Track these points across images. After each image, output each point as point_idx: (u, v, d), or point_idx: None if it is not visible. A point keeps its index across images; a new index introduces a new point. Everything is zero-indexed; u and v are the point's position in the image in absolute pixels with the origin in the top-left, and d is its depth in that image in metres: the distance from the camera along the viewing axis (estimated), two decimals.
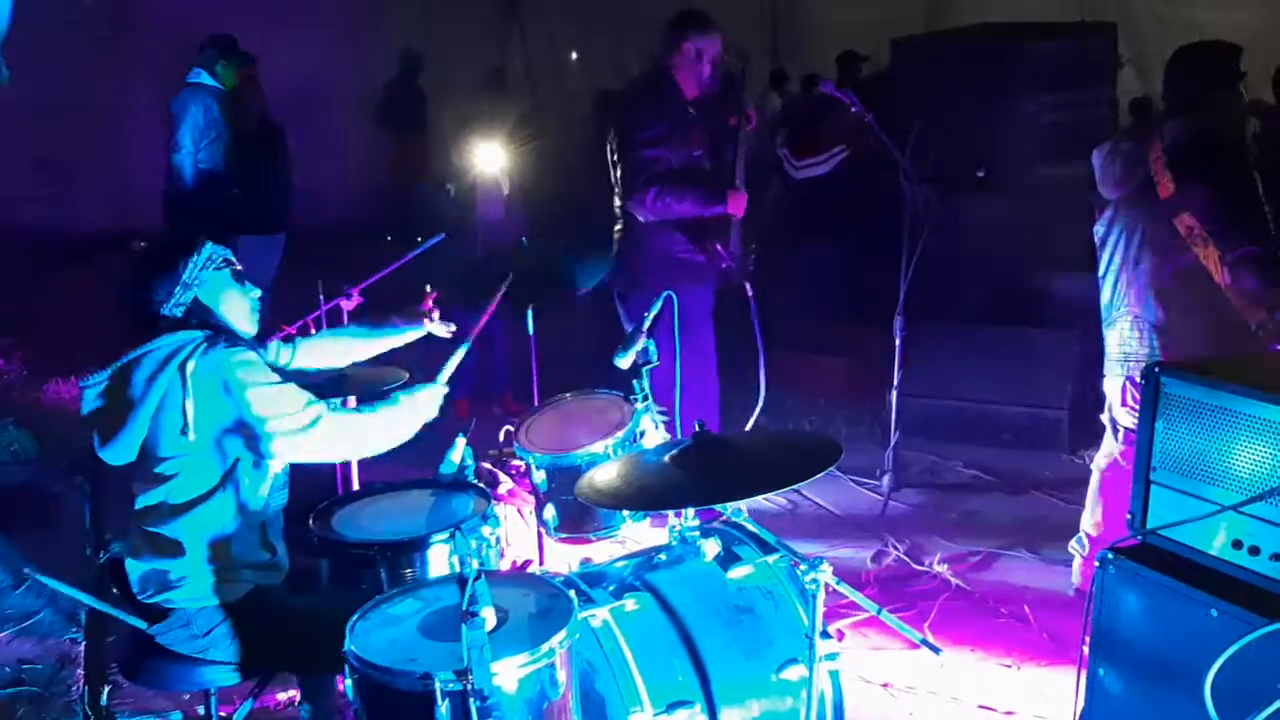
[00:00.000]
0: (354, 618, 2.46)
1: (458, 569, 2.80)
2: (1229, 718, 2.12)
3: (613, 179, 4.74)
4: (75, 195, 10.17)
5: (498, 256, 5.95)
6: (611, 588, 2.76)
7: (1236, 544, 2.36)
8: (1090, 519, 4.19)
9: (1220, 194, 3.66)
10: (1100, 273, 4.03)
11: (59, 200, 10.02)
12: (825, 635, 2.54)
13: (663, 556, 2.91)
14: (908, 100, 6.29)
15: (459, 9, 11.58)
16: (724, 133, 4.67)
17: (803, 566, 2.41)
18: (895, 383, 5.25)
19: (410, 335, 3.57)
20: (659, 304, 3.55)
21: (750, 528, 2.83)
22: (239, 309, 2.96)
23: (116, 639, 3.36)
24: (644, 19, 11.65)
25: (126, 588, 2.93)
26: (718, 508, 2.75)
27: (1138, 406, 3.69)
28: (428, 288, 3.61)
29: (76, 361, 6.39)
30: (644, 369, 3.48)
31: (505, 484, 4.51)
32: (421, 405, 3.04)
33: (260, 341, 3.16)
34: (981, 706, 3.64)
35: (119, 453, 2.84)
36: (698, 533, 2.89)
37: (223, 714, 3.01)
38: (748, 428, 4.40)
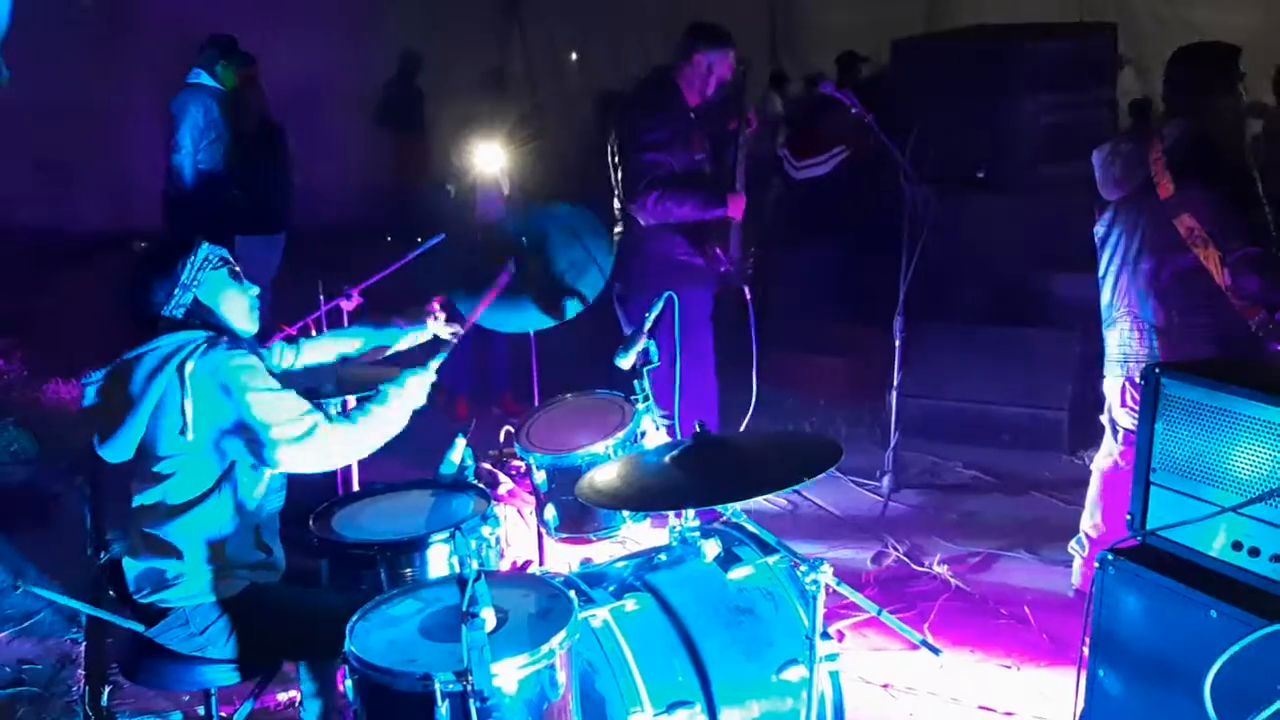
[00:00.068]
0: (354, 618, 2.46)
1: (458, 569, 2.80)
2: (1229, 719, 2.12)
3: (613, 181, 4.75)
4: (75, 195, 10.17)
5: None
6: (612, 588, 2.76)
7: (1236, 545, 2.36)
8: (1090, 520, 4.19)
9: (1220, 195, 3.66)
10: (1100, 273, 4.03)
11: (59, 200, 10.02)
12: (825, 636, 2.54)
13: (663, 557, 2.91)
14: (908, 101, 6.29)
15: (459, 9, 11.58)
16: (724, 136, 4.68)
17: (803, 567, 2.41)
18: (895, 383, 5.25)
19: (415, 337, 3.56)
20: (659, 305, 3.55)
21: (750, 528, 2.83)
22: (238, 308, 2.96)
23: (116, 639, 3.36)
24: (644, 19, 11.71)
25: (125, 588, 2.93)
26: (718, 508, 2.75)
27: (1137, 407, 3.69)
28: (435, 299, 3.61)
29: (76, 361, 6.38)
30: (645, 370, 3.48)
31: (505, 484, 4.52)
32: (410, 395, 3.02)
33: (261, 341, 3.17)
34: (981, 707, 3.64)
35: (117, 451, 2.84)
36: (698, 533, 2.89)
37: (223, 714, 3.01)
38: (740, 429, 4.41)
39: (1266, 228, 3.67)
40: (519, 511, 4.39)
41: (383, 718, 2.37)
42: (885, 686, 3.76)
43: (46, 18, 8.60)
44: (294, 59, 9.21)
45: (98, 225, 9.77)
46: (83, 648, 3.90)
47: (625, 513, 3.47)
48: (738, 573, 2.79)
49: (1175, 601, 2.42)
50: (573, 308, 4.09)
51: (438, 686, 2.21)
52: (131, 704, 3.69)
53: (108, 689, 3.71)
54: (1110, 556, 2.57)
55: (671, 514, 2.98)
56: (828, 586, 2.41)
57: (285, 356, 3.30)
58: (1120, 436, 4.02)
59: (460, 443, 3.35)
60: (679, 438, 3.43)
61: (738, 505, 2.68)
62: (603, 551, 3.61)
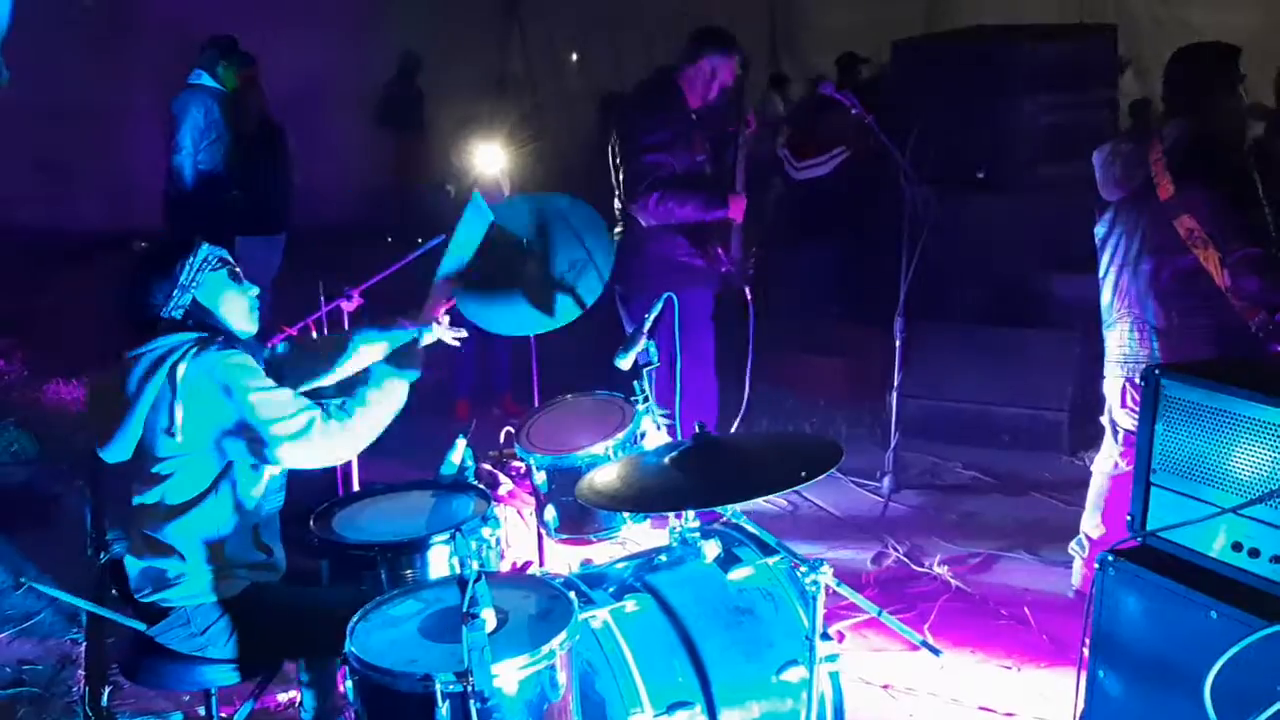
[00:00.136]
0: (354, 619, 2.46)
1: (458, 570, 2.80)
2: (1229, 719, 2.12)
3: (614, 182, 4.75)
4: (75, 195, 10.17)
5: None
6: (612, 589, 2.76)
7: (1236, 546, 2.36)
8: (1090, 521, 4.19)
9: (1220, 196, 3.66)
10: (1100, 274, 4.03)
11: (59, 200, 10.03)
12: (825, 637, 2.54)
13: (663, 558, 2.91)
14: (907, 101, 6.29)
15: (459, 9, 11.58)
16: (724, 137, 4.69)
17: (803, 568, 2.41)
18: (895, 384, 5.25)
19: (424, 341, 3.55)
20: (659, 305, 3.55)
21: (750, 529, 2.83)
22: (238, 308, 2.96)
23: (117, 639, 3.36)
24: (644, 19, 11.71)
25: (126, 588, 2.93)
26: (718, 509, 2.75)
27: (1138, 408, 3.70)
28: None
29: (76, 362, 6.42)
30: (645, 370, 3.48)
31: (505, 485, 4.51)
32: (405, 367, 2.98)
33: (261, 342, 3.16)
34: (982, 708, 3.64)
35: (116, 452, 2.85)
36: (698, 534, 2.89)
37: (223, 715, 3.01)
38: (731, 432, 4.42)
39: (1266, 229, 3.67)
40: (519, 512, 4.39)
41: (383, 718, 2.37)
42: (885, 687, 3.76)
43: (47, 18, 8.60)
44: (294, 59, 9.21)
45: (98, 225, 9.76)
46: (83, 648, 3.90)
47: (625, 514, 3.47)
48: (738, 573, 2.79)
49: (1175, 602, 2.42)
50: (571, 311, 4.08)
51: (438, 687, 2.21)
52: (132, 704, 3.69)
53: (108, 689, 3.72)
54: (1110, 557, 2.57)
55: (671, 515, 2.98)
56: (828, 587, 2.41)
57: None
58: (1120, 437, 4.03)
59: (460, 444, 3.36)
60: (679, 438, 3.43)
61: (738, 506, 2.68)
62: (603, 552, 3.60)
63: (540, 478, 3.54)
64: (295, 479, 3.07)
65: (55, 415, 6.12)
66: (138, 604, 2.91)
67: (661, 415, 3.55)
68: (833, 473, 2.56)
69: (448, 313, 3.56)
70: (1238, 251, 3.61)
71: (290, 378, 3.10)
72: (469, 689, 2.18)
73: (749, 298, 4.60)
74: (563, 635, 2.33)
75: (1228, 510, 2.35)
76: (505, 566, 3.44)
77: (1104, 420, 4.13)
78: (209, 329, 2.88)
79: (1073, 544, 4.28)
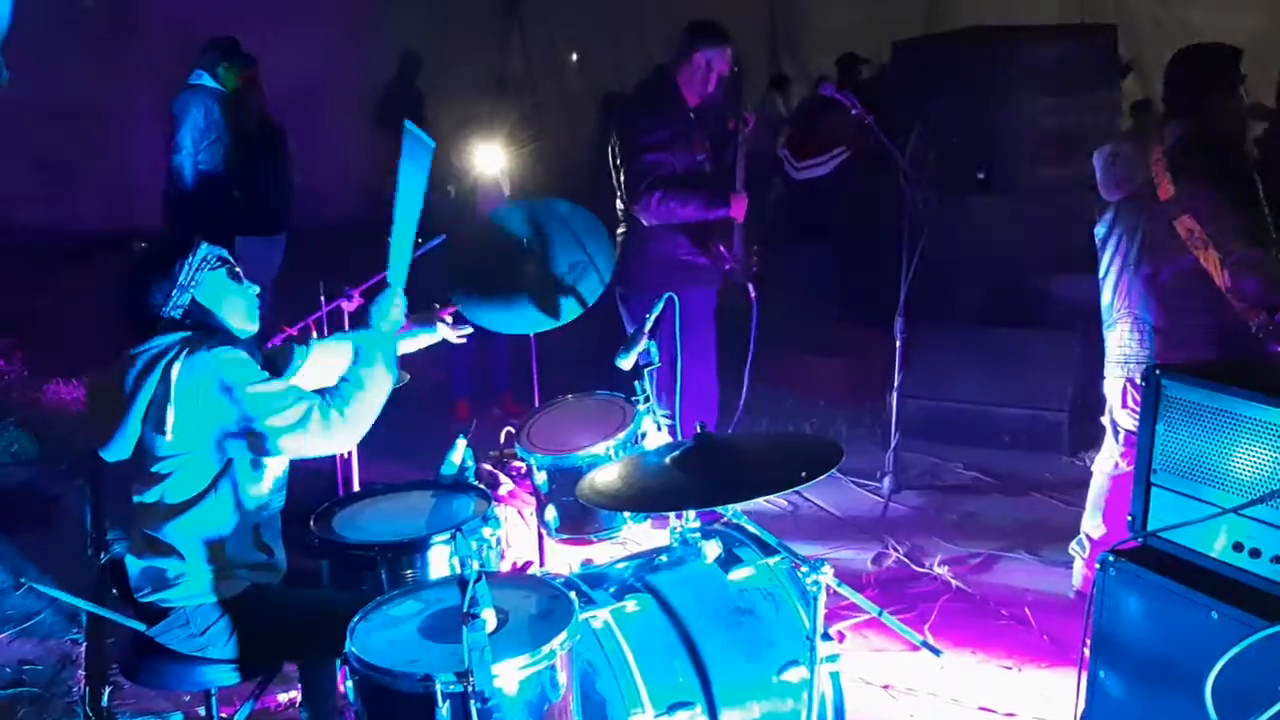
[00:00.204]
0: (355, 619, 2.46)
1: (458, 570, 2.80)
2: None
3: (615, 183, 4.75)
4: (75, 195, 10.17)
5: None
6: (612, 589, 2.76)
7: (1237, 546, 2.37)
8: (1090, 521, 4.19)
9: (1221, 197, 3.66)
10: (1100, 275, 4.03)
11: (59, 200, 10.02)
12: (826, 637, 2.54)
13: (664, 558, 2.91)
14: (908, 102, 6.29)
15: (459, 9, 11.58)
16: (723, 136, 4.69)
17: (804, 568, 2.41)
18: (895, 384, 5.25)
19: (424, 339, 3.55)
20: (660, 305, 3.56)
21: (751, 529, 2.83)
22: (238, 307, 2.96)
23: (117, 640, 3.36)
24: (644, 19, 11.70)
25: (127, 588, 2.93)
26: (718, 509, 2.75)
27: (1138, 408, 3.69)
28: (436, 306, 3.59)
29: (76, 362, 6.42)
30: (645, 370, 3.48)
31: (506, 485, 4.51)
32: (389, 326, 2.94)
33: (261, 341, 3.16)
34: (982, 708, 3.64)
35: (116, 451, 2.84)
36: (699, 534, 2.89)
37: (223, 715, 3.01)
38: (735, 419, 4.43)
39: (1267, 230, 3.67)
40: (519, 512, 4.39)
41: (383, 718, 2.37)
42: (886, 687, 3.76)
43: (47, 18, 8.60)
44: (294, 59, 9.21)
45: (98, 225, 9.76)
46: (83, 648, 3.90)
47: (626, 514, 3.47)
48: (738, 574, 2.79)
49: (1176, 603, 2.42)
50: (572, 310, 4.09)
51: (439, 687, 2.21)
52: (132, 704, 3.69)
53: (108, 689, 3.72)
54: (1111, 558, 2.57)
55: (672, 515, 2.97)
56: (828, 587, 2.41)
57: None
58: (1121, 438, 4.03)
59: (461, 444, 3.36)
60: (680, 438, 3.43)
61: (738, 506, 2.68)
62: (603, 552, 3.60)
63: (541, 478, 3.54)
64: (295, 479, 3.07)
65: (55, 415, 6.12)
66: (138, 604, 2.91)
67: (662, 415, 3.55)
68: (833, 473, 2.56)
69: (454, 317, 3.56)
70: (1238, 252, 3.61)
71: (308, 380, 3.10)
72: (469, 689, 2.18)
73: (753, 294, 4.61)
74: (563, 635, 2.33)
75: (1228, 510, 2.36)
76: (506, 566, 3.44)
77: (1104, 420, 4.13)
78: (209, 328, 2.88)
79: (1073, 544, 4.28)
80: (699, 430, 2.73)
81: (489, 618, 2.21)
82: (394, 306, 2.97)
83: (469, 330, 3.51)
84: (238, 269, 2.98)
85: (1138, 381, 3.82)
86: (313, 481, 3.68)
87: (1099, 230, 4.03)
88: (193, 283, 2.87)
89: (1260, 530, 2.32)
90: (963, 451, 5.80)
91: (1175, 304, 3.81)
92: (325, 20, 10.62)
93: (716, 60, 4.62)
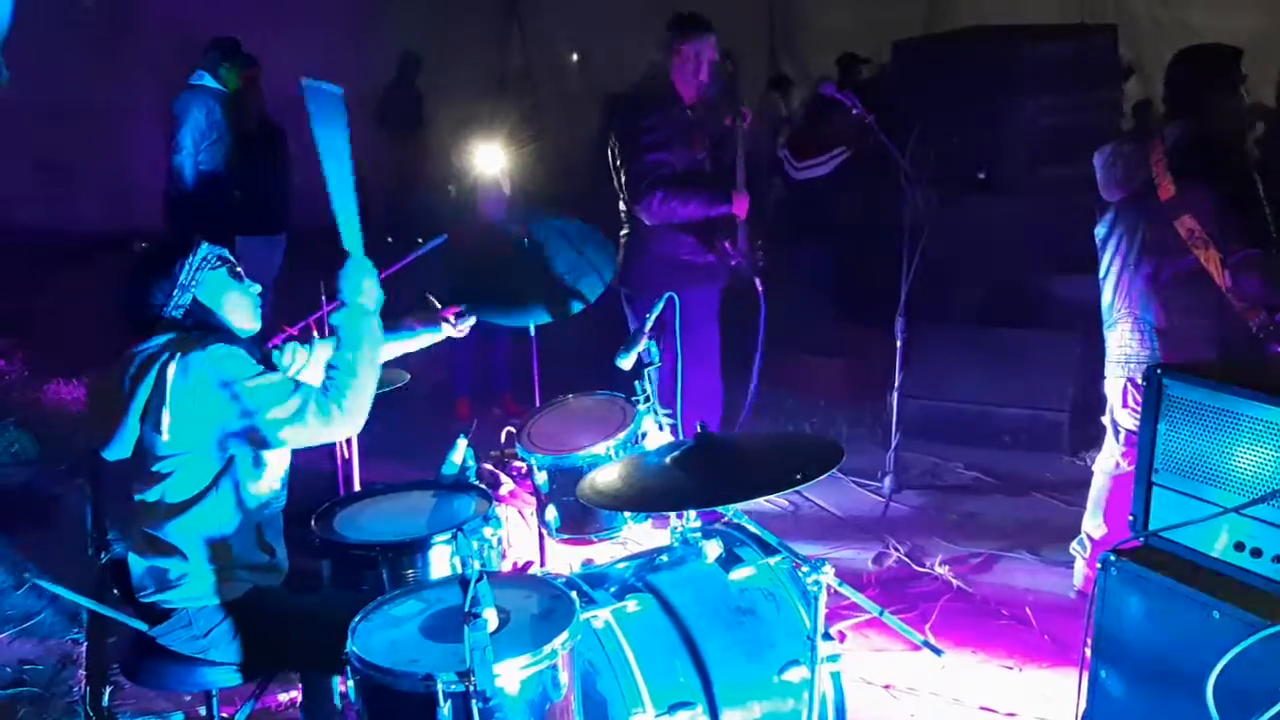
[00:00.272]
0: (356, 619, 2.45)
1: (459, 570, 2.80)
2: None
3: (616, 185, 4.75)
4: (75, 195, 10.16)
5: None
6: (613, 589, 2.76)
7: (1238, 546, 2.36)
8: (1091, 521, 4.19)
9: (1221, 196, 3.66)
10: (1101, 275, 4.03)
11: (59, 200, 10.01)
12: (827, 637, 2.54)
13: (664, 558, 2.91)
14: (908, 102, 6.29)
15: (459, 9, 11.57)
16: (721, 134, 4.69)
17: (805, 568, 2.41)
18: (896, 384, 5.25)
19: (427, 339, 3.55)
20: (660, 305, 3.56)
21: (752, 529, 2.83)
22: (239, 307, 2.95)
23: (118, 639, 3.36)
24: (644, 19, 11.67)
25: (128, 588, 2.93)
26: (719, 509, 2.75)
27: (1139, 408, 3.69)
28: (437, 302, 3.59)
29: (76, 362, 6.42)
30: (646, 370, 3.48)
31: (506, 485, 4.51)
32: (366, 299, 2.87)
33: (261, 341, 3.16)
34: (983, 708, 3.64)
35: (116, 450, 2.84)
36: (699, 534, 2.89)
37: (224, 715, 3.01)
38: (739, 425, 4.43)
39: (1267, 229, 3.67)
40: (520, 512, 4.39)
41: (385, 718, 2.37)
42: (887, 687, 3.76)
43: (48, 18, 8.59)
44: (294, 59, 9.17)
45: (98, 225, 9.76)
46: (84, 648, 3.90)
47: (626, 514, 3.47)
48: (739, 573, 2.79)
49: (1177, 602, 2.42)
50: (574, 306, 4.09)
51: (440, 687, 2.21)
52: (132, 704, 3.69)
53: (109, 689, 3.71)
54: (1112, 557, 2.57)
55: (673, 515, 2.97)
56: (829, 587, 2.41)
57: (298, 357, 3.28)
58: (1122, 437, 4.03)
59: (462, 444, 3.36)
60: (681, 438, 3.43)
61: (739, 506, 2.68)
62: (604, 552, 3.60)
63: (541, 478, 3.54)
64: (296, 479, 3.06)
65: (55, 415, 6.12)
66: (139, 604, 2.91)
67: (664, 415, 3.55)
68: (834, 473, 2.56)
69: (457, 316, 3.56)
70: (1238, 252, 3.61)
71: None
72: (471, 689, 2.17)
73: (760, 290, 4.62)
74: (564, 635, 2.33)
75: (1230, 510, 2.35)
76: (507, 566, 3.44)
77: (1105, 420, 4.13)
78: (210, 328, 2.88)
79: (1074, 544, 4.28)
80: (699, 430, 2.73)
81: (490, 617, 2.21)
82: (365, 278, 2.87)
83: (471, 321, 3.51)
84: (239, 268, 2.98)
85: (1138, 381, 3.82)
86: (313, 481, 3.68)
87: (1099, 230, 4.03)
88: (193, 282, 2.86)
89: (1262, 530, 2.32)
90: (963, 451, 5.80)
91: (1176, 304, 3.81)
92: (325, 20, 10.61)
93: (704, 50, 4.63)
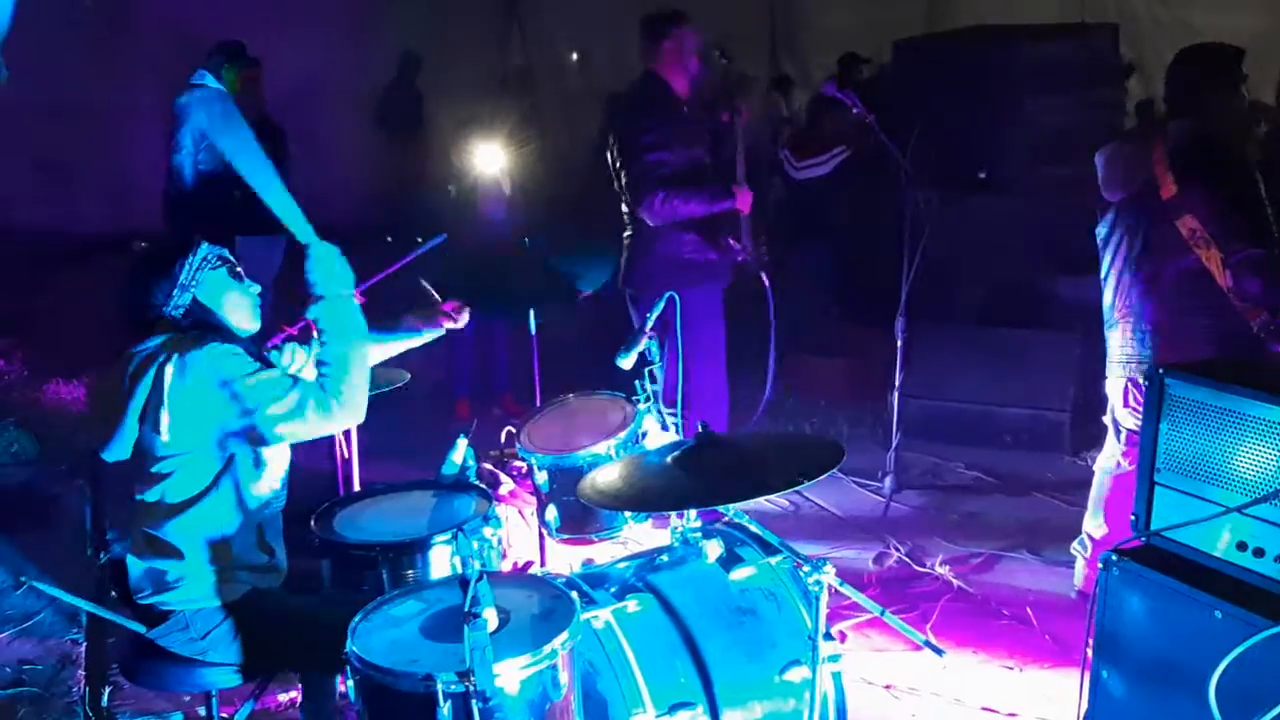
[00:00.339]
0: (356, 619, 2.45)
1: (459, 570, 2.80)
2: None
3: (617, 186, 4.74)
4: (75, 195, 10.15)
5: (499, 257, 5.96)
6: (613, 589, 2.76)
7: (1241, 546, 2.36)
8: (1092, 521, 4.19)
9: (1223, 196, 3.65)
10: (1102, 274, 4.02)
11: (59, 200, 10.00)
12: (828, 637, 2.54)
13: (665, 558, 2.91)
14: (909, 101, 6.28)
15: (459, 9, 11.56)
16: (719, 131, 4.69)
17: (806, 568, 2.41)
18: (896, 384, 5.25)
19: (429, 338, 3.55)
20: (661, 304, 3.55)
21: (753, 529, 2.82)
22: (239, 307, 2.95)
23: (117, 640, 3.35)
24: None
25: (127, 589, 2.92)
26: (720, 509, 2.75)
27: (1140, 408, 3.70)
28: (433, 291, 3.58)
29: (76, 362, 6.41)
30: (647, 369, 3.48)
31: (507, 485, 4.52)
32: (339, 288, 2.85)
33: (263, 341, 3.15)
34: (984, 708, 3.63)
35: (116, 451, 2.84)
36: (700, 534, 2.88)
37: (224, 715, 3.00)
38: (760, 411, 4.43)
39: (1269, 229, 3.66)
40: (520, 512, 4.39)
41: (385, 718, 2.37)
42: (888, 687, 3.75)
43: (48, 18, 8.59)
44: (294, 59, 9.19)
45: (98, 225, 9.75)
46: (83, 648, 3.89)
47: (627, 513, 3.46)
48: (740, 573, 2.78)
49: (1179, 602, 2.42)
50: (573, 294, 4.11)
51: (440, 687, 2.20)
52: (132, 705, 3.69)
53: (108, 689, 3.71)
54: (1114, 557, 2.57)
55: (673, 515, 2.97)
56: (830, 587, 2.40)
57: (297, 357, 3.28)
58: (1123, 437, 4.02)
59: (462, 443, 3.36)
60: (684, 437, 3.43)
61: (739, 506, 2.67)
62: (604, 552, 3.60)
63: (542, 477, 3.54)
64: (296, 479, 3.06)
65: (55, 415, 6.11)
66: (137, 606, 2.90)
67: (669, 414, 3.55)
68: (834, 473, 2.56)
69: (456, 311, 3.56)
70: (1240, 252, 3.61)
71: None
72: (471, 689, 2.17)
73: (767, 284, 4.63)
74: (565, 635, 2.33)
75: (1232, 510, 2.35)
76: (507, 566, 3.43)
77: (1106, 420, 4.13)
78: (209, 328, 2.87)
79: (1075, 544, 4.27)
80: (700, 430, 2.73)
81: (490, 617, 2.20)
82: (332, 263, 2.84)
83: (467, 313, 3.51)
84: (239, 268, 2.97)
85: (1140, 381, 3.82)
86: (313, 481, 3.68)
87: (1101, 230, 4.02)
88: (193, 282, 2.86)
89: (1264, 529, 2.31)
90: (964, 451, 5.80)
91: (1177, 304, 3.80)
92: (325, 20, 10.60)
93: (685, 40, 4.64)
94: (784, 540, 2.69)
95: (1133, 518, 2.57)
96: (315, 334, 2.91)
